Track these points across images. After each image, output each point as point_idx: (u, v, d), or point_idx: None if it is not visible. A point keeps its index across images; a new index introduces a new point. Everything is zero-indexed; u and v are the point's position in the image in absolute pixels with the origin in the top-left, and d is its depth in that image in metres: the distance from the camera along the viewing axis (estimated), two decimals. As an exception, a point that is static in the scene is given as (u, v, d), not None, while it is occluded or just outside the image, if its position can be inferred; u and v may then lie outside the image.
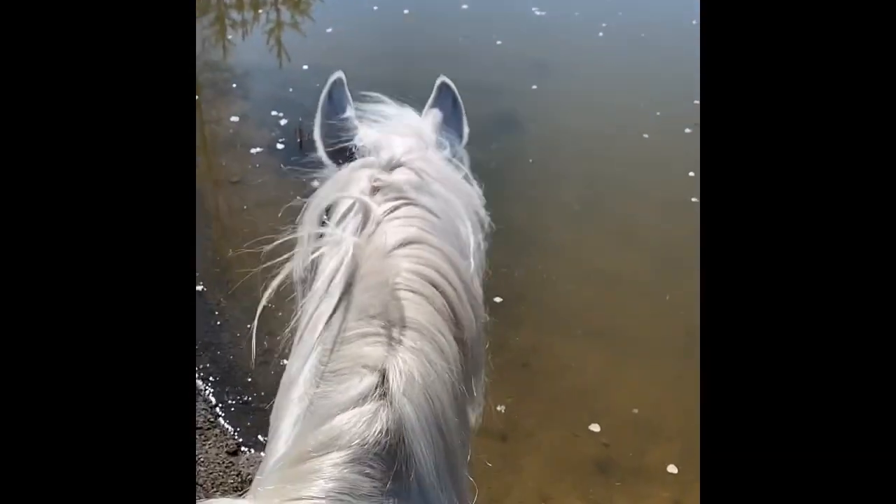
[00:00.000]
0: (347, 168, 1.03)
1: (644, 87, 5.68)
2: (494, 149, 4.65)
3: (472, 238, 1.08)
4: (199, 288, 3.37)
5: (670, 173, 4.57)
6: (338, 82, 1.21)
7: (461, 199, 1.09)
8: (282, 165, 4.28)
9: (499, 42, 6.30)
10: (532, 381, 3.01)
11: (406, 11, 6.82)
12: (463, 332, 0.90)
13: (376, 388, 0.77)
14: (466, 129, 1.29)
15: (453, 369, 0.84)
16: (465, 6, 7.07)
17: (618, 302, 3.50)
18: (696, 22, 7.01)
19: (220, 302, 3.33)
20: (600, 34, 6.65)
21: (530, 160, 4.62)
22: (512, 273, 3.60)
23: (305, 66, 5.61)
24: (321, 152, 1.16)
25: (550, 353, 3.17)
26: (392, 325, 0.82)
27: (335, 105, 1.18)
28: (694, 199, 4.25)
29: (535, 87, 5.57)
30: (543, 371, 3.08)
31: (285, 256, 1.03)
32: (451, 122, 1.26)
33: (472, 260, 1.05)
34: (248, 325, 3.21)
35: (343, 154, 1.12)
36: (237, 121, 4.80)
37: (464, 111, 1.28)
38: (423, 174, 1.03)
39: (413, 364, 0.79)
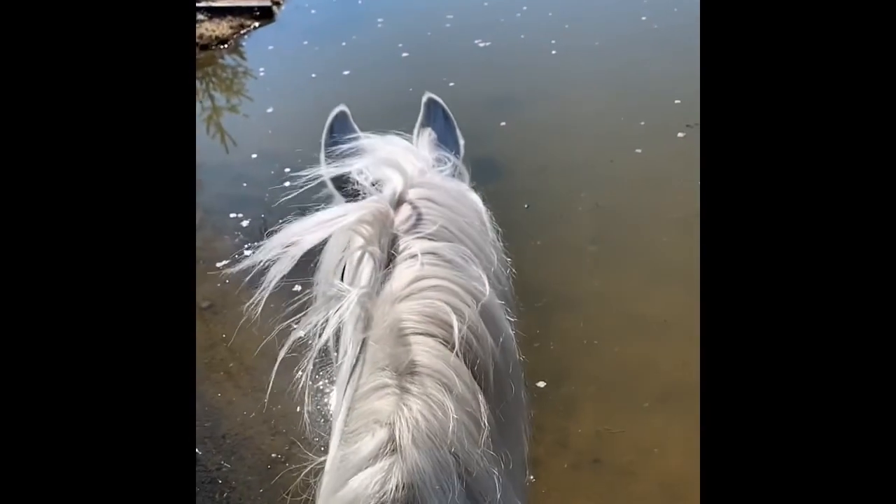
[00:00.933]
0: (351, 211, 0.94)
1: (618, 98, 5.30)
2: (482, 201, 4.18)
3: (493, 249, 1.03)
4: (190, 452, 2.80)
5: (678, 186, 4.14)
6: (340, 115, 1.18)
7: (472, 215, 1.04)
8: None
9: (451, 84, 5.89)
10: (612, 483, 2.50)
11: (346, 72, 6.39)
12: (483, 365, 0.84)
13: (388, 443, 0.74)
14: (462, 141, 1.24)
15: (475, 408, 0.80)
16: (405, 54, 6.68)
17: (676, 352, 3.01)
18: (646, 18, 6.72)
19: (222, 466, 2.76)
20: (553, 52, 6.29)
21: (525, 205, 4.15)
22: (547, 346, 3.10)
23: (254, 155, 5.12)
24: (330, 188, 1.10)
25: (622, 440, 2.66)
26: (400, 373, 0.79)
27: (336, 138, 1.14)
28: (716, 211, 3.81)
29: (503, 123, 5.15)
30: (621, 465, 2.57)
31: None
32: (445, 138, 1.21)
33: (491, 277, 0.95)
34: (262, 491, 2.65)
35: (347, 182, 1.07)
36: (193, 233, 4.27)
37: (456, 124, 1.23)
38: (429, 203, 0.96)
39: (419, 412, 0.76)
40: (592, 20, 6.88)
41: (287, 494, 2.68)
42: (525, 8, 7.40)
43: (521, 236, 3.87)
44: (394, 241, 0.91)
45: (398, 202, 0.95)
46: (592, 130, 4.93)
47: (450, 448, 0.75)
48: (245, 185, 4.72)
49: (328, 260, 0.98)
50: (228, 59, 7.41)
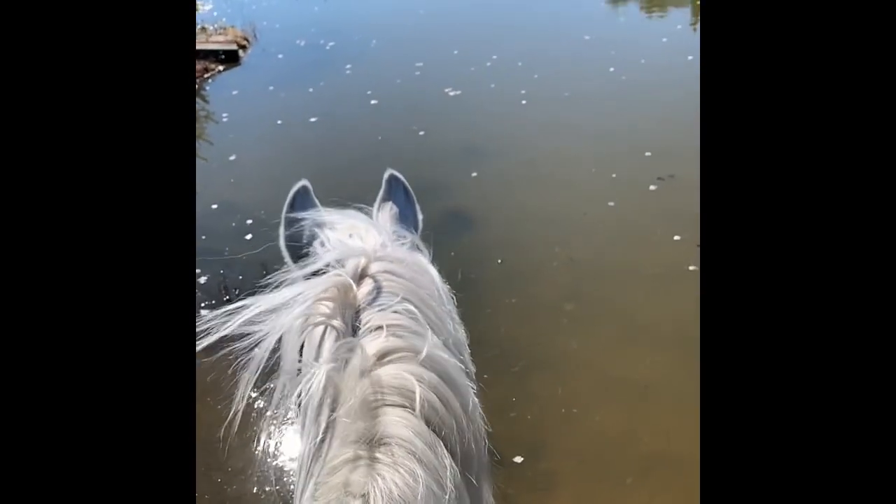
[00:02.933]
0: (312, 287, 0.95)
1: (588, 149, 5.26)
2: (454, 256, 4.04)
3: (451, 320, 1.05)
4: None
5: (653, 240, 4.06)
6: (302, 190, 1.20)
7: (431, 287, 1.05)
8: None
9: (421, 133, 5.81)
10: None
11: (313, 119, 6.27)
12: (449, 430, 0.86)
13: None
14: (421, 216, 1.26)
15: (441, 474, 0.81)
16: (374, 101, 6.59)
17: (657, 420, 2.86)
18: (613, 69, 6.77)
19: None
20: (523, 102, 6.27)
21: (499, 261, 4.02)
22: (524, 415, 2.92)
23: (214, 205, 4.91)
24: (290, 263, 1.11)
25: (606, 520, 2.48)
26: (371, 445, 0.80)
27: (297, 213, 1.16)
28: (692, 268, 3.72)
29: (474, 174, 5.05)
30: (607, 549, 2.38)
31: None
32: (405, 213, 1.24)
33: (450, 347, 0.98)
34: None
35: (308, 257, 1.07)
36: (147, 289, 4.02)
37: (416, 200, 1.26)
38: (390, 277, 0.98)
39: (392, 480, 0.77)
40: (561, 71, 6.91)
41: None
42: (495, 57, 7.42)
43: (495, 294, 3.72)
44: (357, 314, 0.92)
45: (360, 276, 0.96)
46: (564, 182, 4.85)
47: None
48: (204, 237, 4.50)
49: (291, 336, 0.97)
50: (192, 104, 7.23)
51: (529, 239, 4.23)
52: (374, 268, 0.97)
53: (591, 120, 5.75)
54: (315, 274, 1.02)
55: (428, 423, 0.84)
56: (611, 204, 4.47)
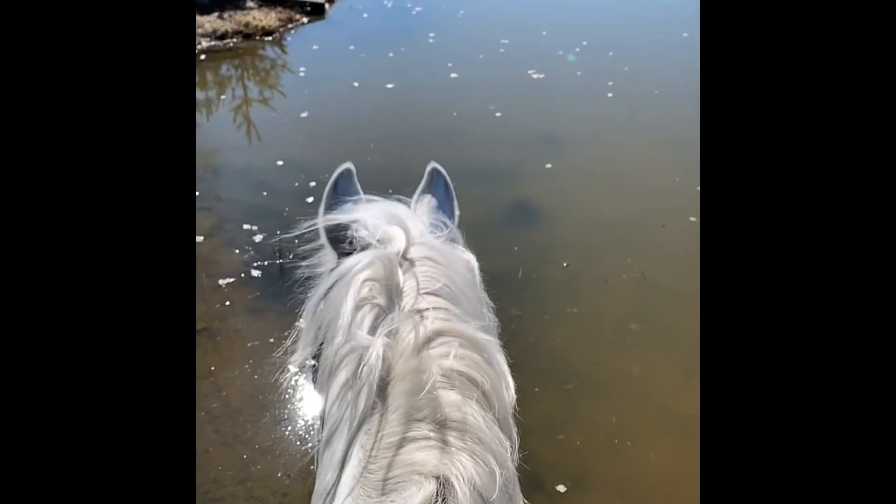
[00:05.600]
0: (354, 266, 0.96)
1: (674, 155, 4.92)
2: (518, 252, 3.83)
3: (486, 310, 1.08)
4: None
5: (734, 267, 3.75)
6: (345, 173, 1.22)
7: (468, 276, 1.08)
8: (258, 301, 3.40)
9: (498, 114, 5.56)
10: None
11: (390, 85, 6.08)
12: (499, 413, 0.87)
13: (436, 495, 0.75)
14: (458, 212, 1.26)
15: (500, 459, 0.82)
16: (454, 74, 6.36)
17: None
18: (711, 73, 6.34)
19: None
20: (609, 95, 5.94)
21: (564, 264, 3.78)
22: (572, 440, 2.72)
23: (280, 162, 4.79)
24: (324, 241, 1.11)
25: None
26: (441, 426, 0.80)
27: (339, 196, 1.18)
28: (777, 305, 3.42)
29: (549, 165, 4.79)
30: None
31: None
32: (444, 206, 1.24)
33: (490, 329, 1.02)
34: (223, 569, 2.28)
35: (344, 242, 1.07)
36: (202, 240, 3.94)
37: (454, 195, 1.26)
38: (431, 262, 0.99)
39: (469, 467, 0.78)
40: (653, 66, 6.52)
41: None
42: (585, 43, 7.07)
43: (556, 300, 3.50)
44: (400, 294, 0.92)
45: (402, 259, 0.98)
46: (645, 188, 4.56)
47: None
48: (265, 193, 4.39)
49: (338, 312, 0.98)
50: (269, 52, 7.14)
51: (600, 245, 3.98)
52: (413, 252, 0.99)
53: (680, 124, 5.39)
54: (348, 255, 1.04)
55: (489, 407, 0.84)
56: (692, 219, 4.17)
